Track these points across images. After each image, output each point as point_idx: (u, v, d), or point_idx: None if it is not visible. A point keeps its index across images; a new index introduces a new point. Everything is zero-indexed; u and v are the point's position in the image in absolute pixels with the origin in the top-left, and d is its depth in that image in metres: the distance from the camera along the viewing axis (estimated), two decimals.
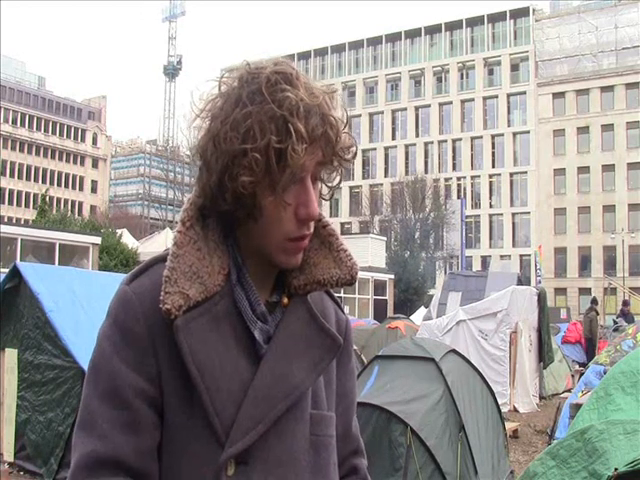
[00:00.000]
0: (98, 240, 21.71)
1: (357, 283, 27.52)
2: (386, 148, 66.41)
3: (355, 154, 1.12)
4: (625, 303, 19.58)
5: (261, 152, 1.02)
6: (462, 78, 64.89)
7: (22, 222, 44.88)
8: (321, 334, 1.13)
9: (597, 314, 17.08)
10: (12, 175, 70.91)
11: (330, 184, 1.15)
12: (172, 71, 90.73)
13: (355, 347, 9.39)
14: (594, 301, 17.93)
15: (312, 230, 1.11)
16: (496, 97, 62.40)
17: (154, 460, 1.05)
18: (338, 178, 1.15)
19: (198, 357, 1.04)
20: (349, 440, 1.27)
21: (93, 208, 72.10)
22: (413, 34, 67.27)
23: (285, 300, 1.14)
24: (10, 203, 69.77)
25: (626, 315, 18.43)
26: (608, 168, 56.93)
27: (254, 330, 1.09)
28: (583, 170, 58.07)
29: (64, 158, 75.88)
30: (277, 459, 1.07)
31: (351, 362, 1.28)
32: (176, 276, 1.05)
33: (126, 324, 1.06)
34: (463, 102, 64.00)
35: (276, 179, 1.04)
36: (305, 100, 1.03)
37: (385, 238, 38.84)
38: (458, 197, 57.24)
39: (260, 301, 1.10)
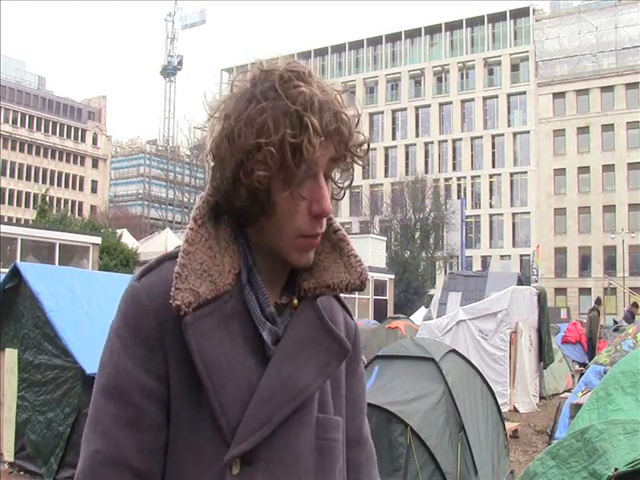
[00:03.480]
0: (98, 240, 21.71)
1: None
2: (386, 148, 66.42)
3: (367, 151, 1.12)
4: (635, 305, 19.37)
5: (276, 146, 1.02)
6: (462, 78, 64.90)
7: (22, 222, 44.88)
8: (329, 338, 1.12)
9: (599, 314, 17.08)
10: (12, 175, 70.91)
11: (341, 184, 1.15)
12: (172, 71, 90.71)
13: None
14: (598, 301, 17.93)
15: (324, 229, 1.11)
16: (496, 97, 62.41)
17: (157, 459, 1.05)
18: (348, 178, 1.16)
19: (206, 355, 1.03)
20: (362, 445, 1.26)
21: (93, 208, 72.09)
22: (413, 34, 67.28)
23: (295, 302, 1.14)
24: (10, 203, 69.76)
25: (633, 316, 18.32)
26: (608, 168, 56.93)
27: (262, 331, 1.08)
28: (583, 170, 58.07)
29: (64, 158, 75.88)
30: (281, 461, 1.06)
31: (360, 368, 1.27)
32: (187, 273, 1.05)
33: (135, 320, 1.06)
34: (463, 102, 64.00)
35: (291, 173, 1.04)
36: (318, 96, 1.04)
37: (385, 238, 38.86)
38: (458, 197, 57.29)
39: (269, 302, 1.10)
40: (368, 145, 1.12)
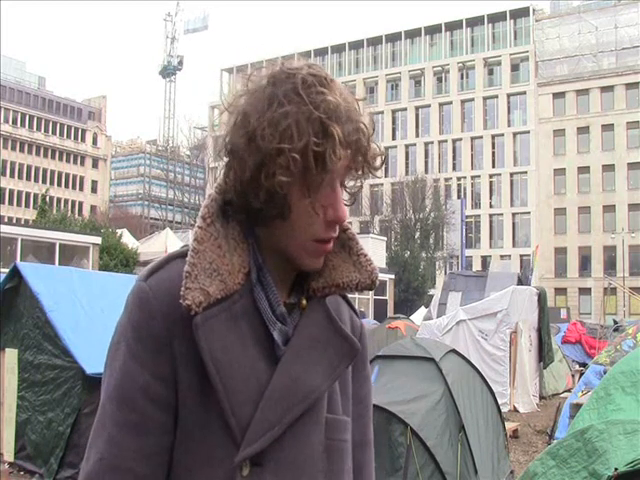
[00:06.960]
0: (98, 240, 21.72)
1: None
2: (386, 148, 65.77)
3: (383, 162, 1.11)
4: None
5: (299, 153, 1.01)
6: (462, 78, 64.87)
7: (22, 222, 44.86)
8: (339, 338, 1.12)
9: None
10: (12, 175, 70.89)
11: (349, 190, 1.14)
12: (172, 71, 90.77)
13: None
14: None
15: (337, 234, 1.11)
16: (496, 97, 62.39)
17: (160, 462, 1.04)
18: (358, 185, 1.15)
19: (216, 355, 1.02)
20: (367, 446, 1.24)
21: (93, 208, 72.07)
22: (413, 34, 67.26)
23: (304, 302, 1.13)
24: (10, 203, 69.75)
25: None
26: (608, 168, 56.91)
27: (273, 331, 1.07)
28: (583, 170, 58.06)
29: (64, 158, 75.87)
30: (291, 461, 1.06)
31: (366, 368, 1.26)
32: (196, 272, 1.04)
33: (141, 321, 1.05)
34: (463, 102, 63.98)
35: (312, 181, 1.03)
36: (341, 104, 1.03)
37: (385, 238, 38.85)
38: (458, 197, 57.31)
39: (280, 301, 1.09)
40: (384, 157, 1.11)
